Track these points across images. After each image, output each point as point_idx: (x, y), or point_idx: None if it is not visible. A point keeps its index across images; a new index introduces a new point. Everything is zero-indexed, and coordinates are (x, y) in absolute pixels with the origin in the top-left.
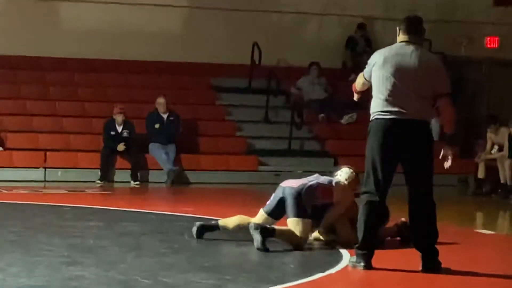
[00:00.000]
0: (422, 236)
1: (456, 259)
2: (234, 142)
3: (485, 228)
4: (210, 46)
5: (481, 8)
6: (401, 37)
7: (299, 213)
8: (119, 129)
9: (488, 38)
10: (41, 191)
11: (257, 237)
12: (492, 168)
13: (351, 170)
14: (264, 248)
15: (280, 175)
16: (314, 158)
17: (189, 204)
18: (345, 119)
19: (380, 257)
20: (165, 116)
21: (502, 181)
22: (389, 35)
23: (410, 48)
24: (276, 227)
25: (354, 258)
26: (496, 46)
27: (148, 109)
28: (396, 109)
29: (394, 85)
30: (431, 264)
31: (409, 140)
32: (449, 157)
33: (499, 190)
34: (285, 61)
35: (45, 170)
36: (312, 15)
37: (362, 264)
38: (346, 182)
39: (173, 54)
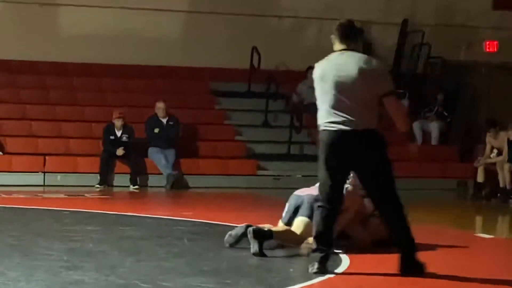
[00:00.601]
0: (396, 239)
1: (456, 263)
2: (233, 146)
3: (484, 232)
4: (210, 50)
5: (480, 13)
6: (337, 46)
7: (310, 215)
8: (119, 133)
9: (487, 42)
10: (40, 196)
11: (253, 243)
12: (491, 172)
13: (353, 174)
14: (261, 255)
15: (280, 179)
16: (314, 162)
17: (189, 208)
18: None
19: (381, 260)
20: (164, 120)
21: (501, 185)
22: (387, 39)
23: (347, 56)
24: (273, 229)
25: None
26: (495, 50)
27: (147, 114)
28: (339, 120)
29: (335, 97)
30: (408, 266)
31: (356, 151)
32: (414, 153)
33: (499, 194)
34: (284, 65)
35: (44, 175)
36: (311, 19)
37: (315, 267)
38: (351, 187)
39: (172, 59)
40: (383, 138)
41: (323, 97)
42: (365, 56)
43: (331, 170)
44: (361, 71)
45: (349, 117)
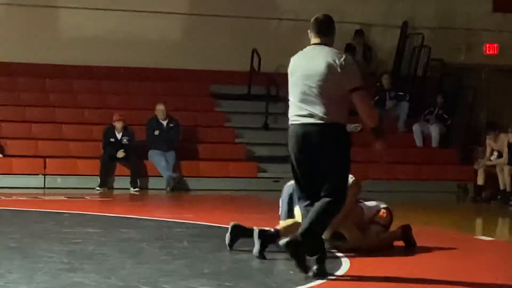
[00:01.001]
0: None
1: (456, 265)
2: (233, 149)
3: (484, 235)
4: (210, 53)
5: (480, 15)
6: (312, 39)
7: None
8: (119, 136)
9: (487, 45)
10: (40, 198)
11: (257, 244)
12: (491, 174)
13: (351, 176)
14: (261, 257)
15: (280, 182)
16: None
17: (189, 211)
18: (349, 128)
19: (381, 263)
20: (164, 122)
21: (501, 188)
22: (387, 41)
23: (318, 50)
24: (278, 227)
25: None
26: (495, 53)
27: (147, 116)
28: (305, 113)
29: (302, 90)
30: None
31: (320, 143)
32: (382, 150)
33: (499, 197)
34: (284, 68)
35: (44, 177)
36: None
37: (314, 268)
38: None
39: (172, 61)
40: (349, 135)
41: (292, 89)
42: (335, 50)
43: (300, 165)
44: (328, 65)
45: (314, 110)
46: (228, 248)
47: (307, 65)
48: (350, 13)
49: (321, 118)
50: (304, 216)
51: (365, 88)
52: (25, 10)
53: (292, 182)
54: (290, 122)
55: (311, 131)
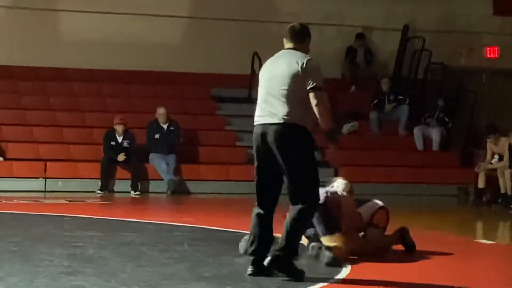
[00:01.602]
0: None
1: (456, 269)
2: (234, 152)
3: (485, 238)
4: (210, 56)
5: (481, 18)
6: (285, 44)
7: None
8: (120, 139)
9: (488, 48)
10: (41, 201)
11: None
12: (492, 177)
13: (346, 181)
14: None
15: None
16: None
17: (189, 214)
18: (345, 129)
19: (381, 267)
20: (165, 126)
21: (502, 191)
22: (388, 45)
23: (287, 54)
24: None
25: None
26: (496, 56)
27: (148, 120)
28: (266, 113)
29: (267, 91)
30: (281, 267)
31: (278, 143)
32: (334, 153)
33: (499, 200)
34: None
35: (45, 180)
36: (311, 25)
37: (250, 269)
38: (345, 194)
39: (173, 64)
40: (311, 135)
41: (259, 91)
42: (302, 54)
43: (260, 166)
44: (291, 66)
45: (275, 111)
46: (245, 251)
47: (273, 67)
48: (351, 16)
49: (281, 118)
50: (254, 224)
51: (324, 90)
52: (26, 13)
53: None
54: (254, 123)
55: (271, 130)
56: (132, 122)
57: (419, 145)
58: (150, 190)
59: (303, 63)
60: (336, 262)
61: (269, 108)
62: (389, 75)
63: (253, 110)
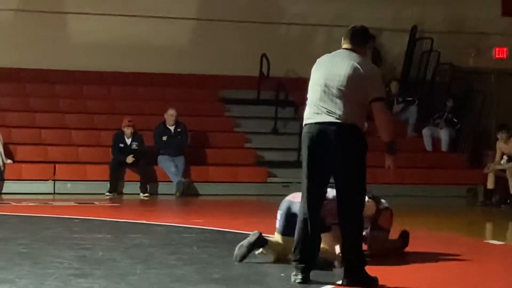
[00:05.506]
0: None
1: (466, 270)
2: (242, 154)
3: (494, 239)
4: (219, 58)
5: (489, 19)
6: (343, 44)
7: None
8: (128, 141)
9: (496, 49)
10: (50, 204)
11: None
12: (501, 178)
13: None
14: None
15: (289, 187)
16: None
17: (198, 216)
18: None
19: (381, 271)
20: (172, 128)
21: (511, 192)
22: (397, 46)
23: (347, 54)
24: (273, 239)
25: (294, 271)
26: (505, 56)
27: (157, 122)
28: (323, 111)
29: (323, 90)
30: (357, 279)
31: (336, 143)
32: (391, 167)
33: (509, 201)
34: (293, 73)
35: (54, 183)
36: (320, 26)
37: (299, 277)
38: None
39: (181, 66)
40: (365, 139)
41: (312, 89)
42: (364, 59)
43: (313, 167)
44: (354, 67)
45: (333, 109)
46: (240, 259)
47: (332, 65)
48: (359, 17)
49: (339, 118)
50: (299, 228)
51: (385, 100)
52: (34, 16)
53: (290, 196)
54: (305, 122)
55: (328, 130)
56: (140, 124)
57: (428, 146)
58: (159, 192)
59: (369, 68)
60: (325, 265)
61: (326, 106)
62: (397, 77)
63: (261, 112)
